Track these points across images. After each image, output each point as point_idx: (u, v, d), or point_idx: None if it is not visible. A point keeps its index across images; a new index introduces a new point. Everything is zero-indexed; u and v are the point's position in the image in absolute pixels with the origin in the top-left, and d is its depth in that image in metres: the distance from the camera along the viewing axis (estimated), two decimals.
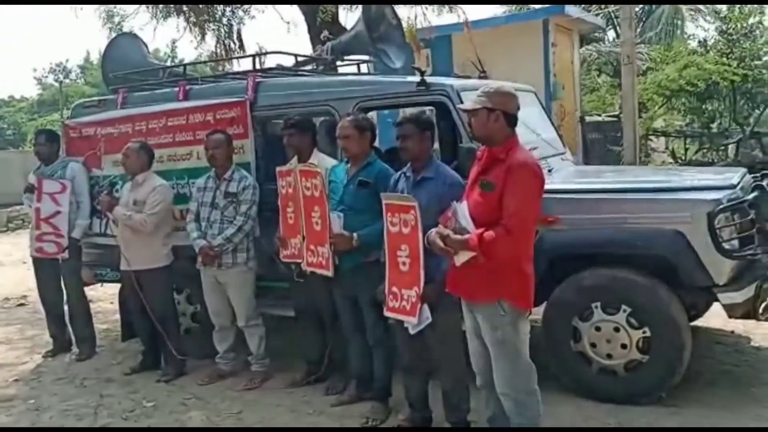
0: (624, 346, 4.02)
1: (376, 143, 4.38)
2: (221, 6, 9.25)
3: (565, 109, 10.11)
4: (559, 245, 4.07)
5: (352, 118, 4.21)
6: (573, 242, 4.10)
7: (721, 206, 3.89)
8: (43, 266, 5.69)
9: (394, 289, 3.58)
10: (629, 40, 10.04)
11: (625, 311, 4.00)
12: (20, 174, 18.69)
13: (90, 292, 5.96)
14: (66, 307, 5.81)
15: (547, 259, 3.98)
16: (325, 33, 6.88)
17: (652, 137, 13.94)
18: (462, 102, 4.28)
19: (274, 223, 4.69)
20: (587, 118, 11.96)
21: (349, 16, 9.62)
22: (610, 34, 18.05)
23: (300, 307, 4.77)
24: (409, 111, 4.33)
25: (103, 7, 9.46)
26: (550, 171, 4.36)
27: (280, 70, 5.69)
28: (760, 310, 3.99)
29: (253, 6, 9.56)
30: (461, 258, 3.01)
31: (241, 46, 9.42)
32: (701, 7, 17.93)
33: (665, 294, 3.95)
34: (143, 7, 9.24)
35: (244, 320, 4.85)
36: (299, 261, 4.39)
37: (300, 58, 6.18)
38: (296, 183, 4.36)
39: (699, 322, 5.08)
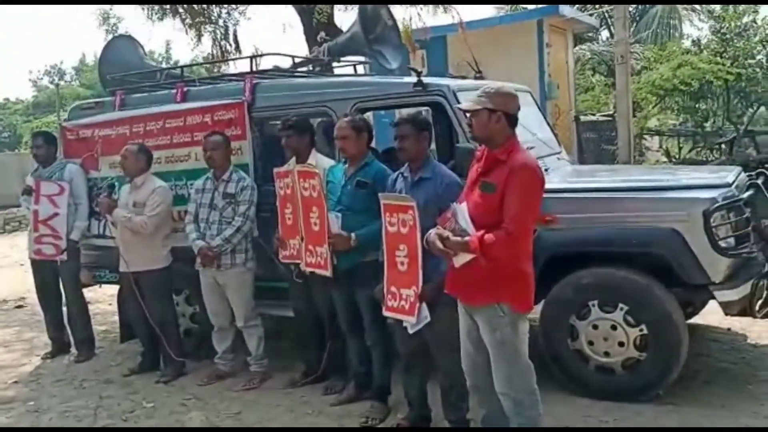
0: (621, 344, 4.05)
1: (373, 144, 4.40)
2: (217, 7, 9.26)
3: (560, 109, 10.15)
4: (556, 244, 4.09)
5: (350, 119, 4.23)
6: (570, 241, 4.13)
7: (717, 204, 3.92)
8: (42, 268, 5.70)
9: (393, 288, 3.59)
10: (623, 39, 10.09)
11: (622, 309, 4.03)
12: (17, 176, 18.65)
13: (88, 293, 5.97)
14: (65, 309, 5.82)
15: (545, 257, 4.00)
16: (322, 34, 6.91)
17: (646, 136, 14.01)
18: (459, 102, 4.31)
19: (272, 223, 4.71)
20: (582, 118, 12.00)
21: (345, 17, 9.67)
22: (604, 33, 18.12)
23: (299, 307, 4.79)
24: (407, 111, 4.37)
25: (98, 9, 9.46)
26: (546, 170, 4.36)
27: (277, 71, 5.70)
28: (757, 308, 4.03)
29: (249, 7, 9.57)
30: (461, 260, 3.02)
31: (237, 48, 9.44)
32: (696, 6, 18.01)
33: (662, 292, 3.98)
34: (139, 8, 9.24)
35: (242, 321, 4.87)
36: (298, 261, 4.41)
37: (297, 60, 6.20)
38: (294, 184, 4.38)
39: (696, 320, 5.12)
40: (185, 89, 5.43)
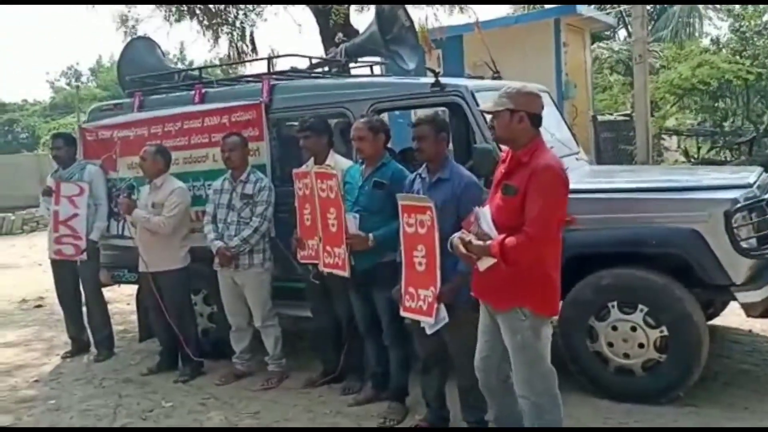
0: (641, 346, 4.02)
1: (389, 144, 4.40)
2: (234, 9, 9.30)
3: (577, 109, 10.10)
4: (575, 245, 4.03)
5: (366, 119, 4.24)
6: (589, 242, 4.09)
7: (739, 205, 3.88)
8: (62, 268, 5.76)
9: (411, 289, 3.59)
10: (641, 38, 10.01)
11: (642, 310, 4.00)
12: (35, 177, 18.92)
13: (107, 293, 6.01)
14: (84, 309, 5.87)
15: (564, 258, 3.95)
16: (340, 35, 6.91)
17: (664, 136, 13.89)
18: (477, 103, 4.31)
19: (289, 224, 4.72)
20: (599, 118, 11.93)
21: (361, 18, 9.67)
22: (622, 32, 17.99)
23: (316, 307, 4.80)
24: (424, 112, 4.36)
25: (117, 11, 9.54)
26: (566, 172, 4.36)
27: (295, 72, 5.72)
28: None
29: (266, 9, 9.60)
30: (484, 263, 2.98)
31: (254, 49, 9.47)
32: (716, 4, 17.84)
33: (682, 293, 3.95)
34: (157, 10, 9.30)
35: (260, 321, 4.89)
36: (316, 262, 4.41)
37: (314, 61, 6.21)
38: (312, 184, 4.39)
39: (716, 321, 5.06)
40: (203, 91, 5.47)
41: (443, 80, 4.47)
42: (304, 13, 9.86)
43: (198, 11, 9.15)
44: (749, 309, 3.93)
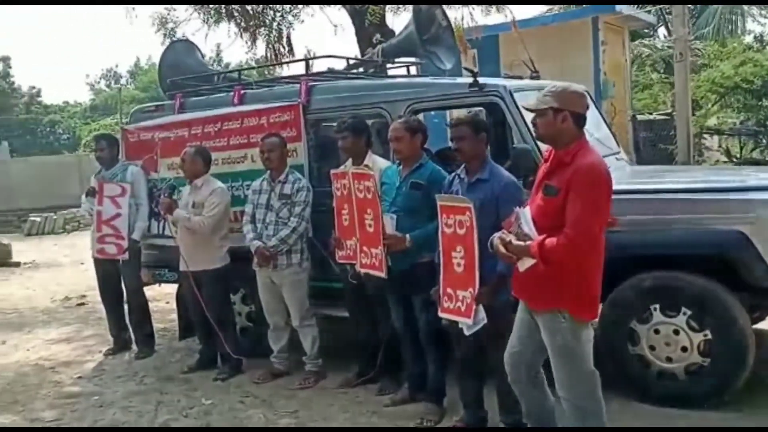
0: (684, 349, 3.95)
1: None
2: (271, 11, 9.38)
3: (616, 108, 9.95)
4: (616, 246, 3.95)
5: (404, 120, 4.24)
6: (631, 243, 4.01)
7: None
8: (104, 267, 5.88)
9: (449, 290, 3.57)
10: (682, 36, 9.82)
11: (685, 314, 3.93)
12: (76, 178, 19.34)
13: (147, 292, 6.11)
14: (126, 307, 5.98)
15: (605, 260, 3.91)
16: (377, 36, 6.92)
17: (705, 135, 13.60)
18: (515, 103, 4.27)
19: (326, 224, 4.75)
20: (638, 117, 11.74)
21: (396, 20, 9.68)
22: (661, 30, 17.67)
23: (353, 308, 4.82)
24: (463, 112, 4.34)
25: (156, 13, 9.69)
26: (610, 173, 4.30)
27: (332, 73, 5.74)
28: None
29: (303, 10, 9.67)
30: (525, 264, 2.96)
31: (291, 51, 9.53)
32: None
33: (727, 296, 3.87)
34: (195, 12, 9.43)
35: (298, 320, 4.92)
36: (354, 262, 4.43)
37: (351, 61, 6.23)
38: (350, 185, 4.40)
39: (762, 326, 4.94)
40: (242, 92, 5.52)
41: (482, 80, 4.45)
42: (339, 14, 9.92)
43: (236, 13, 9.25)
44: None
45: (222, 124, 5.45)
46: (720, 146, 14.82)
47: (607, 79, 9.60)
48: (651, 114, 13.42)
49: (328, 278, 4.92)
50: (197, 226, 5.02)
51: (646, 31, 15.15)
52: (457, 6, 8.47)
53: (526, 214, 2.98)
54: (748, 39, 16.75)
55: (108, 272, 5.87)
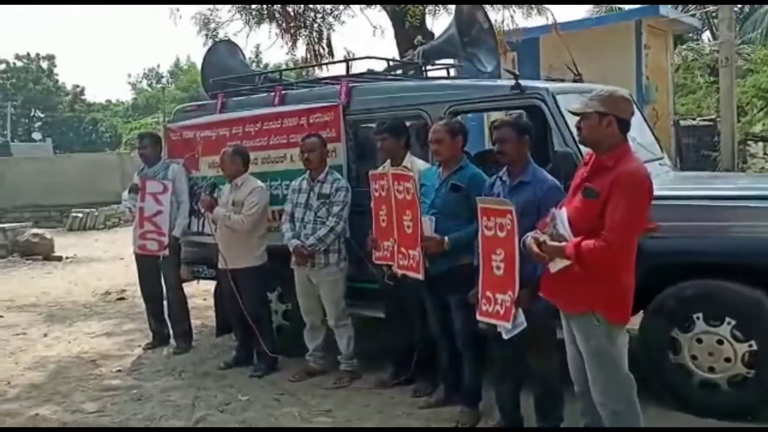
0: (728, 360, 3.86)
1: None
2: (312, 12, 9.46)
3: (658, 113, 9.78)
4: (659, 253, 3.92)
5: (445, 122, 4.22)
6: (674, 250, 3.95)
7: None
8: (145, 263, 5.98)
9: (488, 293, 3.55)
10: (728, 40, 9.63)
11: (729, 323, 3.84)
12: (117, 175, 19.71)
13: (185, 288, 6.18)
14: (165, 302, 6.07)
15: (646, 266, 3.84)
16: (419, 38, 6.93)
17: (750, 142, 13.28)
18: (558, 106, 4.23)
19: (363, 225, 4.76)
20: (681, 122, 11.52)
21: (434, 22, 9.67)
22: (706, 34, 17.32)
23: (389, 309, 4.82)
24: (504, 114, 4.31)
25: (199, 14, 9.83)
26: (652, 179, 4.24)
27: (372, 74, 5.76)
28: None
29: (344, 12, 9.72)
30: (557, 265, 2.98)
31: (330, 52, 9.61)
32: None
33: None
34: (237, 13, 9.55)
35: (334, 320, 4.95)
36: (391, 263, 4.43)
37: (392, 63, 6.24)
38: (389, 186, 4.40)
39: None
40: (283, 92, 5.57)
41: (524, 83, 4.42)
42: (379, 16, 9.95)
43: (277, 15, 9.35)
44: None
45: (262, 124, 5.51)
46: (765, 153, 14.46)
47: (649, 84, 9.45)
48: (694, 119, 13.17)
49: (364, 279, 4.93)
50: (236, 224, 5.08)
51: (690, 35, 14.86)
52: (498, 7, 8.43)
53: (562, 215, 2.99)
54: None
55: (148, 268, 5.97)
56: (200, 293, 7.40)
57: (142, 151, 6.04)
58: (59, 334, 6.82)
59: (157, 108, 38.15)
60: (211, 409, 4.58)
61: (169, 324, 6.10)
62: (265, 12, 9.35)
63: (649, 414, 3.71)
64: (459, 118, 4.59)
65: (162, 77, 54.15)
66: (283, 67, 12.75)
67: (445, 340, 4.31)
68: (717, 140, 10.07)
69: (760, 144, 14.27)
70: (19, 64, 48.42)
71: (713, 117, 12.01)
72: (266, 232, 5.29)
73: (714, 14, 13.69)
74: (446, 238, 4.01)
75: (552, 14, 8.73)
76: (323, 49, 9.50)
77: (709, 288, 3.91)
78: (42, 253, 12.47)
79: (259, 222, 5.17)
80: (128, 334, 6.71)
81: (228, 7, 9.77)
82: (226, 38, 9.12)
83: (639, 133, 4.93)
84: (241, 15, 9.60)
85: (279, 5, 9.33)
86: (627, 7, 11.24)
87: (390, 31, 9.24)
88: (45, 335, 6.82)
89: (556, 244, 2.93)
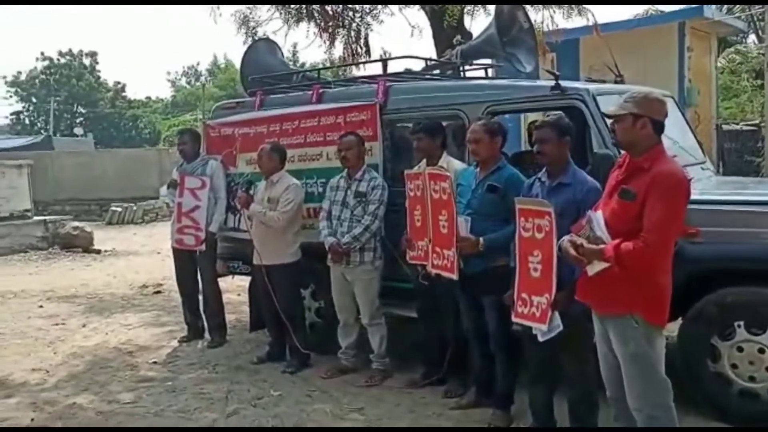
0: None
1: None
2: (350, 11, 9.49)
3: (700, 116, 9.60)
4: (699, 258, 3.85)
5: (483, 122, 4.20)
6: (715, 256, 3.88)
7: None
8: (182, 257, 6.07)
9: (524, 295, 3.52)
10: None
11: None
12: (156, 171, 20.05)
13: (220, 283, 6.25)
14: (201, 297, 6.15)
15: (686, 272, 3.78)
16: (458, 37, 6.91)
17: None
18: (598, 107, 4.18)
19: (397, 224, 4.75)
20: (723, 127, 11.28)
21: (472, 23, 9.63)
22: (751, 37, 16.92)
23: (423, 309, 4.81)
24: (538, 116, 4.27)
25: (239, 12, 9.93)
26: (689, 180, 4.16)
27: (409, 74, 5.75)
28: None
29: (383, 10, 9.73)
30: (595, 268, 2.95)
31: (368, 51, 9.63)
32: None
33: None
34: (276, 12, 9.62)
35: (367, 318, 4.95)
36: (425, 263, 4.41)
37: (430, 63, 6.22)
38: (424, 186, 4.39)
39: None
40: (321, 91, 5.60)
41: (564, 83, 4.37)
42: (417, 16, 9.94)
43: (316, 14, 9.40)
44: None
45: (300, 122, 5.54)
46: None
47: (691, 87, 9.28)
48: (737, 124, 12.88)
49: (398, 278, 4.92)
50: (272, 221, 5.11)
51: (735, 38, 14.53)
52: (538, 8, 8.35)
53: (599, 217, 2.97)
54: None
55: (185, 262, 6.06)
56: (234, 289, 7.47)
57: (182, 147, 6.12)
58: (97, 325, 6.96)
59: (195, 105, 38.66)
60: (243, 403, 4.62)
61: (204, 318, 6.17)
62: (304, 11, 9.41)
63: (686, 422, 3.66)
64: (497, 118, 4.57)
65: (201, 75, 54.88)
66: (320, 66, 12.79)
67: (479, 342, 4.29)
68: (761, 145, 9.83)
69: None
70: (62, 60, 49.49)
71: (757, 122, 11.72)
72: (301, 229, 5.32)
73: (760, 16, 13.35)
74: (481, 239, 3.99)
75: (593, 15, 8.62)
76: (360, 48, 9.53)
77: (751, 295, 3.82)
78: (81, 245, 12.75)
79: (293, 219, 5.21)
80: (164, 326, 6.81)
81: (267, 5, 9.85)
82: (265, 36, 9.19)
83: (681, 137, 4.87)
84: (280, 14, 9.68)
85: (318, 5, 9.38)
86: (669, 8, 10.99)
87: (428, 31, 9.24)
88: (83, 326, 6.96)
89: (594, 246, 2.91)
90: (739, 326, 3.84)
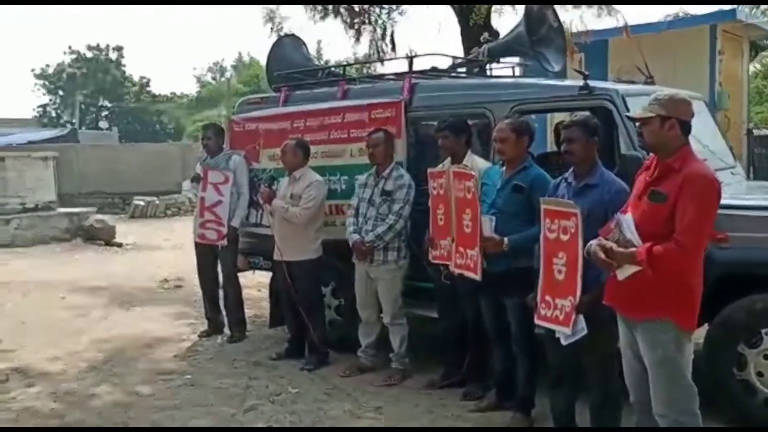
0: None
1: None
2: (377, 8, 9.47)
3: (730, 120, 9.42)
4: (728, 263, 3.77)
5: (510, 120, 4.15)
6: (744, 261, 3.80)
7: None
8: (203, 252, 6.08)
9: (547, 297, 3.47)
10: None
11: None
12: (179, 166, 20.20)
13: (240, 279, 6.26)
14: (221, 291, 6.16)
15: (714, 277, 3.69)
16: (485, 35, 6.85)
17: None
18: (627, 108, 4.11)
19: (420, 224, 4.71)
20: (755, 132, 11.07)
21: (500, 22, 9.55)
22: None
23: (444, 309, 4.76)
24: (564, 116, 4.20)
25: (265, 8, 9.96)
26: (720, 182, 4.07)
27: (435, 71, 5.71)
28: None
29: (409, 7, 9.71)
30: (625, 272, 2.89)
31: (394, 48, 9.61)
32: None
33: None
34: (302, 8, 9.64)
35: (389, 317, 4.92)
36: (448, 263, 4.37)
37: (456, 61, 6.18)
38: (448, 184, 4.35)
39: None
40: (346, 87, 5.57)
41: (592, 83, 4.30)
42: (445, 13, 9.89)
43: (342, 10, 9.39)
44: None
45: (324, 118, 5.52)
46: None
47: (722, 90, 9.12)
48: None
49: (419, 277, 4.88)
50: (294, 217, 5.10)
51: (767, 42, 14.26)
52: (567, 7, 8.27)
53: (628, 220, 2.91)
54: None
55: (207, 257, 6.07)
56: (255, 284, 7.49)
57: (206, 142, 6.13)
58: (118, 318, 7.00)
59: (219, 101, 38.90)
60: (261, 398, 4.62)
61: (224, 312, 6.18)
62: (330, 8, 9.41)
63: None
64: (524, 118, 4.52)
65: (225, 71, 55.21)
66: (344, 62, 12.79)
67: (500, 343, 4.24)
68: None
69: None
70: (89, 54, 50.04)
71: None
72: (322, 226, 5.30)
73: None
74: (506, 239, 3.94)
75: (623, 16, 8.51)
76: (386, 45, 9.51)
77: None
78: (104, 238, 12.86)
79: (315, 215, 5.19)
80: (184, 320, 6.83)
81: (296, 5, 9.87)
82: (291, 33, 9.19)
83: (711, 140, 4.77)
84: (306, 10, 9.69)
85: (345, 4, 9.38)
86: (700, 10, 10.81)
87: (455, 29, 9.18)
88: (105, 318, 7.01)
89: (625, 250, 2.85)
90: (767, 334, 3.76)
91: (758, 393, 3.81)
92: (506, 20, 10.93)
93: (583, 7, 8.64)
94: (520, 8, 7.07)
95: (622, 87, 4.47)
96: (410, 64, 5.59)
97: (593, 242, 3.01)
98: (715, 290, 3.69)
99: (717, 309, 3.84)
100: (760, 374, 3.80)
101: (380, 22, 9.48)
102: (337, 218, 5.38)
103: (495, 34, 7.79)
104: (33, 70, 50.03)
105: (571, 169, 3.59)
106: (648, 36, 8.73)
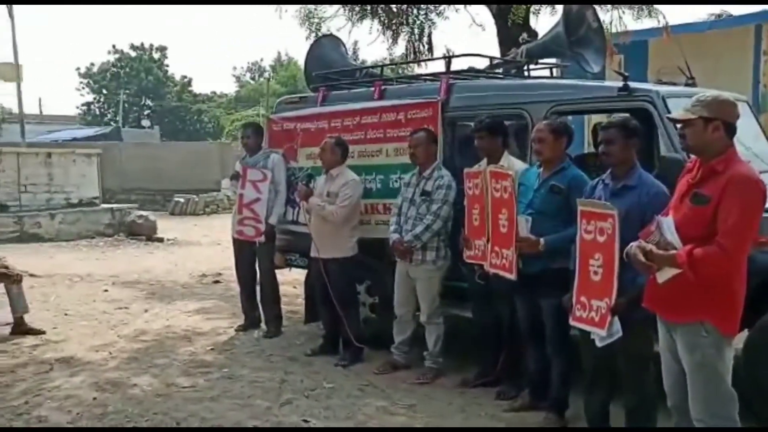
0: None
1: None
2: (415, 9, 9.49)
3: None
4: None
5: (549, 121, 4.14)
6: None
7: None
8: (242, 248, 6.18)
9: (583, 298, 3.45)
10: None
11: None
12: (218, 164, 20.51)
13: (277, 275, 6.32)
14: (258, 287, 6.25)
15: (755, 282, 3.62)
16: (524, 35, 6.83)
17: None
18: (668, 109, 4.07)
19: (456, 224, 4.73)
20: None
21: (537, 21, 9.49)
22: None
23: (478, 309, 4.77)
24: (602, 118, 4.17)
25: (303, 9, 10.04)
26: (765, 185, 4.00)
27: (472, 72, 5.71)
28: None
29: (448, 7, 9.69)
30: (665, 275, 2.85)
31: (430, 49, 9.61)
32: None
33: None
34: (341, 9, 9.70)
35: (426, 316, 4.95)
36: (483, 263, 4.38)
37: (494, 61, 6.17)
38: (484, 185, 4.35)
39: None
40: (383, 87, 5.61)
41: (632, 85, 4.27)
42: (482, 13, 9.86)
43: (380, 11, 9.43)
44: None
45: (361, 118, 5.57)
46: None
47: (766, 92, 8.90)
48: None
49: (454, 277, 4.90)
50: (330, 215, 5.16)
51: None
52: (607, 8, 8.18)
53: (669, 222, 2.87)
54: None
55: (244, 253, 6.17)
56: (291, 281, 7.58)
57: (245, 141, 6.23)
58: (158, 311, 7.16)
59: (257, 101, 39.31)
60: (296, 393, 4.68)
61: (261, 308, 6.27)
62: (368, 8, 9.45)
63: None
64: (562, 119, 4.50)
65: (264, 71, 55.72)
66: (381, 63, 12.84)
67: (535, 344, 4.24)
68: None
69: None
70: (133, 54, 50.97)
71: None
72: (358, 225, 5.35)
73: None
74: (542, 239, 3.93)
75: (664, 16, 8.38)
76: (423, 46, 9.51)
77: None
78: (145, 233, 13.16)
79: (352, 214, 5.24)
80: (222, 314, 6.95)
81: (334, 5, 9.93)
82: (329, 33, 9.27)
83: (755, 142, 4.69)
84: (344, 11, 9.74)
85: (383, 4, 9.41)
86: (743, 10, 10.55)
87: (492, 29, 9.16)
88: (145, 311, 7.17)
89: (666, 253, 2.82)
90: None
91: None
92: (544, 20, 10.82)
93: (623, 7, 8.51)
94: (559, 8, 7.01)
95: (662, 88, 4.42)
96: (447, 65, 5.61)
97: (633, 244, 2.97)
98: (758, 294, 3.65)
99: (758, 314, 3.77)
100: None
101: (417, 23, 9.49)
102: (372, 217, 5.43)
103: (534, 34, 7.76)
104: (78, 68, 51.25)
105: (608, 171, 3.57)
106: (689, 36, 8.57)
